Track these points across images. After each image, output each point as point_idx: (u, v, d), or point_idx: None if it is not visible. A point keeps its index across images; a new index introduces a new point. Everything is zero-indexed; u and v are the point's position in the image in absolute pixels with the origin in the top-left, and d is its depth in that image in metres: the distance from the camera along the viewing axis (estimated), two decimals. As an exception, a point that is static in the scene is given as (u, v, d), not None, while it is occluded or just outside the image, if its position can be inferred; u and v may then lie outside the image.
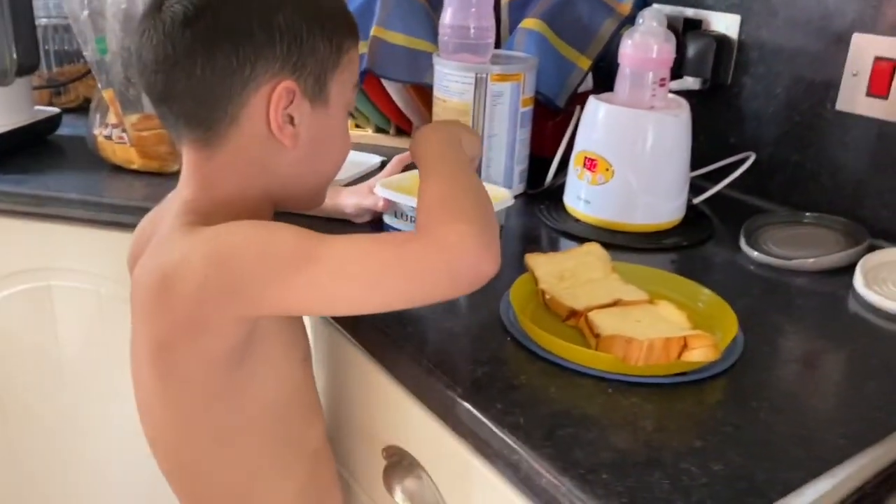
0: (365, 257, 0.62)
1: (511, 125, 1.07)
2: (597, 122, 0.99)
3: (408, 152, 1.07)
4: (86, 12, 1.11)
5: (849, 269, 0.91)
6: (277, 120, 0.68)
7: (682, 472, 0.56)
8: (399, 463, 0.76)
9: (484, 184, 0.96)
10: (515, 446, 0.59)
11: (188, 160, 0.71)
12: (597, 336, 0.69)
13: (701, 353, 0.65)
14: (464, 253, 0.60)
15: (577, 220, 1.03)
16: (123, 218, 1.05)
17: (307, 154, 0.72)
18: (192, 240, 0.65)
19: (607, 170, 0.97)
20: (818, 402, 0.66)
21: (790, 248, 0.95)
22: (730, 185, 1.08)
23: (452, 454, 0.69)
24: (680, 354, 0.65)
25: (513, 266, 0.91)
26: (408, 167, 1.01)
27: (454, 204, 0.64)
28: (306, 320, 0.91)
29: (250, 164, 0.70)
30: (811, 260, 0.92)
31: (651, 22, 0.97)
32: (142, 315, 0.69)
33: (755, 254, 0.94)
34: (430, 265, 0.60)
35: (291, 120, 0.69)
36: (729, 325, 0.72)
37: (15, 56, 1.19)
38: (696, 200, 1.07)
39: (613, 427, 0.61)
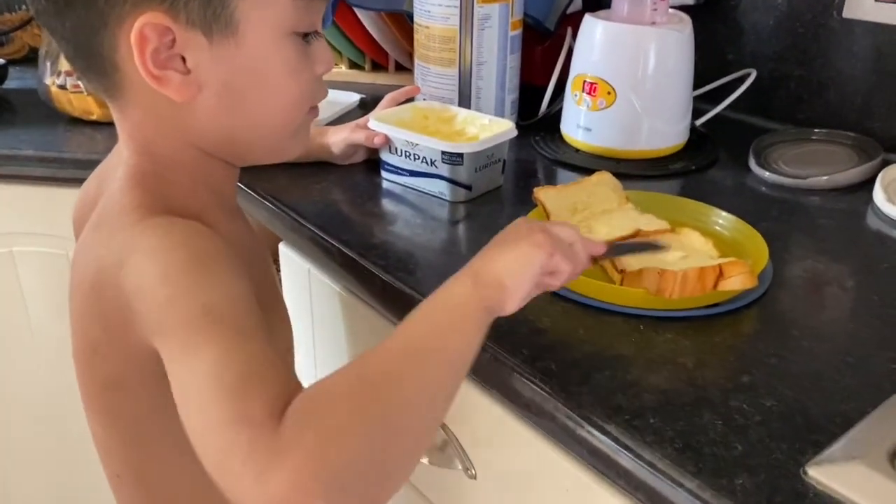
0: (205, 394, 0.43)
1: (501, 51, 1.00)
2: (594, 42, 0.93)
3: (400, 90, 1.00)
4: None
5: (863, 186, 0.87)
6: (147, 66, 0.52)
7: (734, 410, 0.52)
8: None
9: (483, 115, 0.90)
10: (549, 394, 0.54)
11: (113, 115, 0.61)
12: (622, 272, 0.64)
13: (738, 280, 0.60)
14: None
15: (577, 150, 0.97)
16: (86, 173, 0.95)
17: (228, 104, 0.57)
18: (133, 240, 0.53)
19: (609, 93, 0.91)
20: (860, 325, 0.62)
21: (802, 167, 0.91)
22: (728, 106, 1.02)
23: (476, 407, 0.64)
24: (716, 284, 0.60)
25: (513, 203, 0.86)
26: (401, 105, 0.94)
27: (388, 408, 0.43)
28: (301, 293, 0.85)
29: (162, 120, 0.57)
30: (825, 178, 0.88)
31: (649, -70, 0.89)
32: (76, 312, 0.60)
33: (766, 174, 0.90)
34: (236, 471, 0.40)
35: (184, 62, 0.54)
36: (758, 250, 0.68)
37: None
38: (699, 122, 1.02)
39: (652, 366, 0.57)
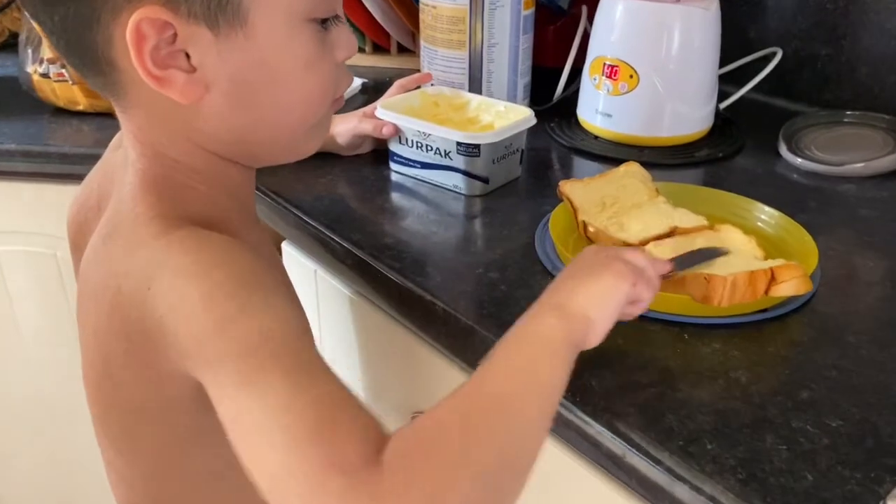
0: (283, 434, 0.38)
1: (513, 32, 0.94)
2: (614, 21, 0.87)
3: (411, 76, 0.94)
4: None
5: (902, 172, 0.83)
6: (147, 67, 0.47)
7: (798, 432, 0.47)
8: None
9: (498, 101, 0.84)
10: (591, 417, 0.49)
11: (116, 114, 0.55)
12: (663, 277, 0.58)
13: (792, 285, 0.55)
14: None
15: (596, 137, 0.92)
16: (74, 168, 0.90)
17: (239, 102, 0.51)
18: (160, 257, 0.47)
19: (631, 76, 0.86)
20: (921, 330, 0.58)
21: (835, 152, 0.86)
22: (752, 87, 0.97)
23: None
24: (767, 290, 0.55)
25: (532, 195, 0.80)
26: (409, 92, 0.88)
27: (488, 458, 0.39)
28: (313, 296, 0.80)
29: (168, 122, 0.51)
30: (862, 164, 0.83)
31: None
32: (90, 329, 0.54)
33: (799, 160, 0.85)
34: None
35: (188, 59, 0.48)
36: (806, 250, 0.63)
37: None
38: (723, 105, 0.96)
39: (702, 381, 0.52)
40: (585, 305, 0.47)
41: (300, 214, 0.74)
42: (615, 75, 0.87)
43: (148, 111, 0.52)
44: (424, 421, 0.39)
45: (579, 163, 0.88)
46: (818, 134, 0.90)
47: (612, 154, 0.87)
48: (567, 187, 0.69)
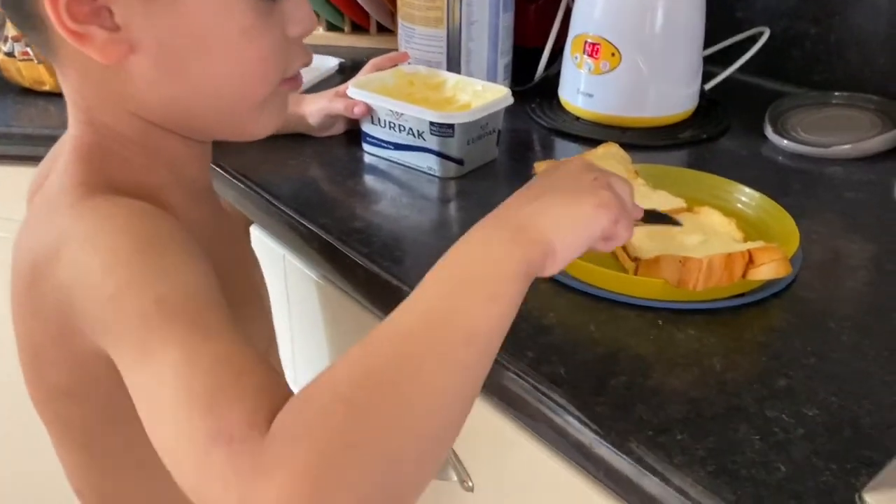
0: (173, 405, 0.36)
1: (493, 9, 0.91)
2: (596, -2, 0.84)
3: (385, 56, 0.91)
4: None
5: (890, 154, 0.80)
6: (62, 20, 0.44)
7: (772, 421, 0.45)
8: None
9: (476, 80, 0.81)
10: (560, 404, 0.47)
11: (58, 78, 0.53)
12: (635, 259, 0.56)
13: (770, 269, 0.53)
14: None
15: (577, 118, 0.89)
16: (41, 150, 0.86)
17: (168, 70, 0.48)
18: (69, 225, 0.45)
19: (613, 55, 0.83)
20: (905, 315, 0.55)
21: (822, 134, 0.83)
22: (738, 68, 0.94)
23: (474, 414, 0.57)
24: (745, 273, 0.53)
25: (509, 178, 0.78)
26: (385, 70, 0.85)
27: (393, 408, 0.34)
28: (280, 285, 0.77)
29: (99, 85, 0.49)
30: (849, 146, 0.80)
31: None
32: (15, 310, 0.51)
33: (785, 142, 0.82)
34: (216, 495, 0.33)
35: (112, 16, 0.45)
36: (787, 232, 0.60)
37: None
38: (709, 86, 0.93)
39: (676, 369, 0.50)
40: (551, 231, 0.40)
41: (267, 197, 0.72)
42: (596, 54, 0.84)
43: (80, 73, 0.49)
44: (315, 386, 0.35)
45: (559, 144, 0.86)
46: (805, 115, 0.87)
47: (593, 135, 0.84)
48: (542, 168, 0.67)
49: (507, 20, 0.94)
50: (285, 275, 0.76)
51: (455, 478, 0.60)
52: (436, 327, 0.37)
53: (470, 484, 0.59)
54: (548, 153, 0.85)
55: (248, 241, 0.64)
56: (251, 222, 0.79)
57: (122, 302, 0.40)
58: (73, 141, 0.51)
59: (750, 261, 0.53)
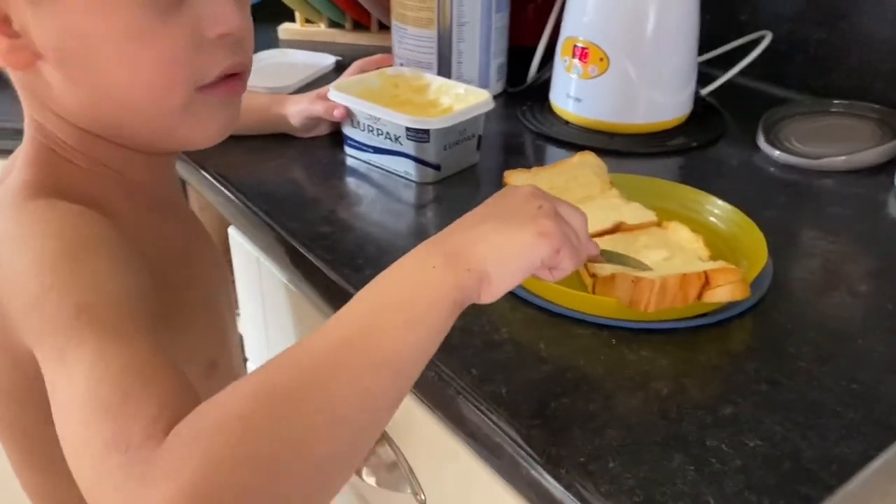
0: (80, 409, 0.36)
1: (485, 10, 0.90)
2: (587, 1, 0.82)
3: (370, 58, 0.90)
4: None
5: (886, 168, 0.78)
6: None
7: (710, 451, 0.44)
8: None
9: (458, 84, 0.80)
10: (497, 426, 0.46)
11: None
12: (593, 276, 0.55)
13: (726, 291, 0.51)
14: None
15: (567, 123, 0.88)
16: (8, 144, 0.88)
17: (68, 75, 0.48)
18: (6, 225, 0.46)
19: (601, 59, 0.81)
20: (871, 341, 0.53)
21: (817, 144, 0.81)
22: (742, 72, 0.92)
23: (423, 427, 0.56)
24: (700, 294, 0.52)
25: (489, 184, 0.77)
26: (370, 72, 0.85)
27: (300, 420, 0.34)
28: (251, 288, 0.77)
29: (31, 91, 0.51)
30: (842, 157, 0.78)
31: None
32: None
33: (776, 153, 0.80)
34: (106, 500, 0.34)
35: (11, 24, 0.46)
36: (756, 248, 0.59)
37: None
38: (705, 92, 0.91)
39: (620, 392, 0.49)
40: (487, 258, 0.39)
41: (240, 197, 0.72)
42: (585, 57, 0.82)
43: (15, 80, 0.51)
44: (217, 400, 0.35)
45: (544, 149, 0.85)
46: (801, 124, 0.85)
47: (579, 141, 0.83)
48: (512, 178, 0.66)
49: (500, 21, 0.92)
50: (259, 277, 0.77)
51: (409, 490, 0.60)
52: (347, 350, 0.36)
53: (422, 497, 0.59)
54: (532, 159, 0.84)
55: (213, 246, 0.64)
56: (226, 224, 0.79)
57: (45, 304, 0.41)
58: (26, 142, 0.52)
59: (706, 282, 0.52)
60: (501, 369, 0.50)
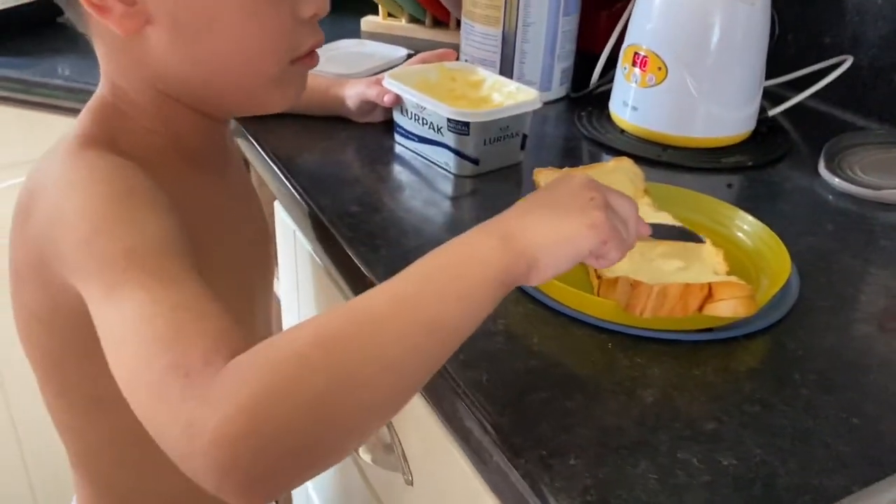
0: (136, 340, 0.39)
1: (552, 12, 0.90)
2: (652, 9, 0.81)
3: (433, 52, 0.92)
4: None
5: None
6: None
7: (679, 463, 0.43)
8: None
9: (511, 82, 0.81)
10: (470, 410, 0.47)
11: None
12: (599, 277, 0.54)
13: (730, 306, 0.50)
14: (207, 460, 0.34)
15: (622, 132, 0.86)
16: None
17: (181, 43, 0.52)
18: (59, 169, 0.51)
19: (659, 68, 0.80)
20: (885, 378, 0.50)
21: (880, 176, 0.77)
22: (820, 96, 0.88)
23: (414, 407, 0.57)
24: (702, 306, 0.50)
25: (529, 185, 0.76)
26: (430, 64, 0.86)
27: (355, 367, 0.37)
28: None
29: (121, 54, 0.54)
30: (904, 190, 0.73)
31: None
32: (12, 235, 0.56)
33: (836, 180, 0.76)
34: (165, 420, 0.37)
35: None
36: (780, 269, 0.57)
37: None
38: (774, 112, 0.88)
39: (603, 395, 0.48)
40: (538, 244, 0.41)
41: (284, 173, 0.74)
42: (644, 66, 0.81)
43: (105, 43, 0.54)
44: (277, 339, 0.38)
45: (596, 156, 0.84)
46: (867, 154, 0.80)
47: (630, 150, 0.82)
48: (541, 176, 0.65)
49: (568, 24, 0.92)
50: (295, 249, 0.79)
51: (400, 470, 0.60)
52: (402, 309, 0.39)
53: (410, 478, 0.60)
54: (578, 164, 0.83)
55: (263, 218, 0.67)
56: (272, 198, 0.82)
57: (93, 245, 0.45)
58: (93, 98, 0.57)
59: (709, 295, 0.50)
60: (488, 358, 0.50)
